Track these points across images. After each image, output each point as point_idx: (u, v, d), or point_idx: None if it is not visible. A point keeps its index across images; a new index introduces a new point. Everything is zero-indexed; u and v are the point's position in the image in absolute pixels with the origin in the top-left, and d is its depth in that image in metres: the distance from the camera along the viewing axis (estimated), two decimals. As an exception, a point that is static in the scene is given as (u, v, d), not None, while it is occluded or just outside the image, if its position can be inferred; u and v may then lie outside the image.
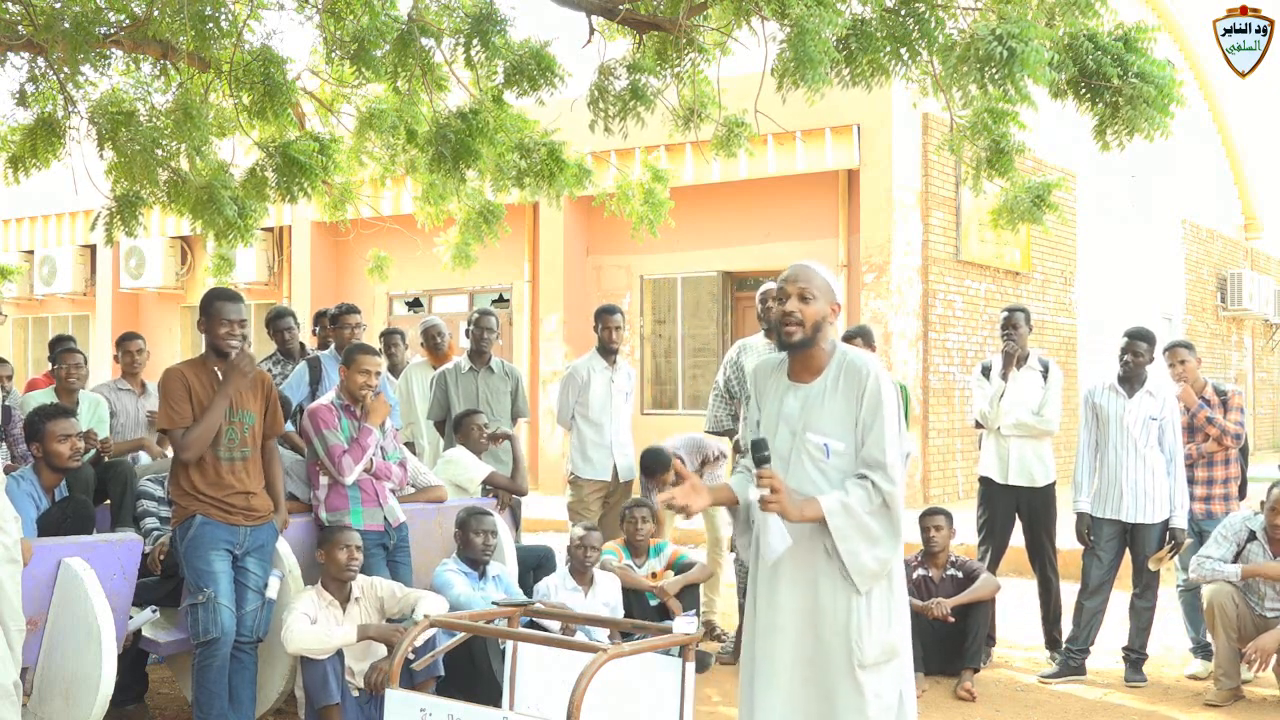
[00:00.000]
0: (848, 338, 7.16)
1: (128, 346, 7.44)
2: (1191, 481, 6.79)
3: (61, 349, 7.07)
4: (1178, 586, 6.97)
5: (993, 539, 7.18)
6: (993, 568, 7.01)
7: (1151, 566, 6.51)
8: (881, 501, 3.55)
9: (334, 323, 7.33)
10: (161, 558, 5.63)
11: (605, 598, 6.25)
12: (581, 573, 6.26)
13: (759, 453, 3.53)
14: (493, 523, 6.01)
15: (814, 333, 3.66)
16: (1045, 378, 7.11)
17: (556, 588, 6.21)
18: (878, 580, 3.60)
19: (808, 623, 3.65)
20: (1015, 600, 8.23)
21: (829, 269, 3.81)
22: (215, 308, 5.12)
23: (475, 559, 5.92)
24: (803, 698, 3.65)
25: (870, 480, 3.57)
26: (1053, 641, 7.09)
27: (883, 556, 3.58)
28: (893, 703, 3.66)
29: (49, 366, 7.13)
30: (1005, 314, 7.21)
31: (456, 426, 7.15)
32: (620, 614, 6.19)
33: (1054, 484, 7.19)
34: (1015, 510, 7.18)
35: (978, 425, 7.40)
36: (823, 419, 3.66)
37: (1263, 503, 6.30)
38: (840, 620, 3.61)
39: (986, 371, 7.27)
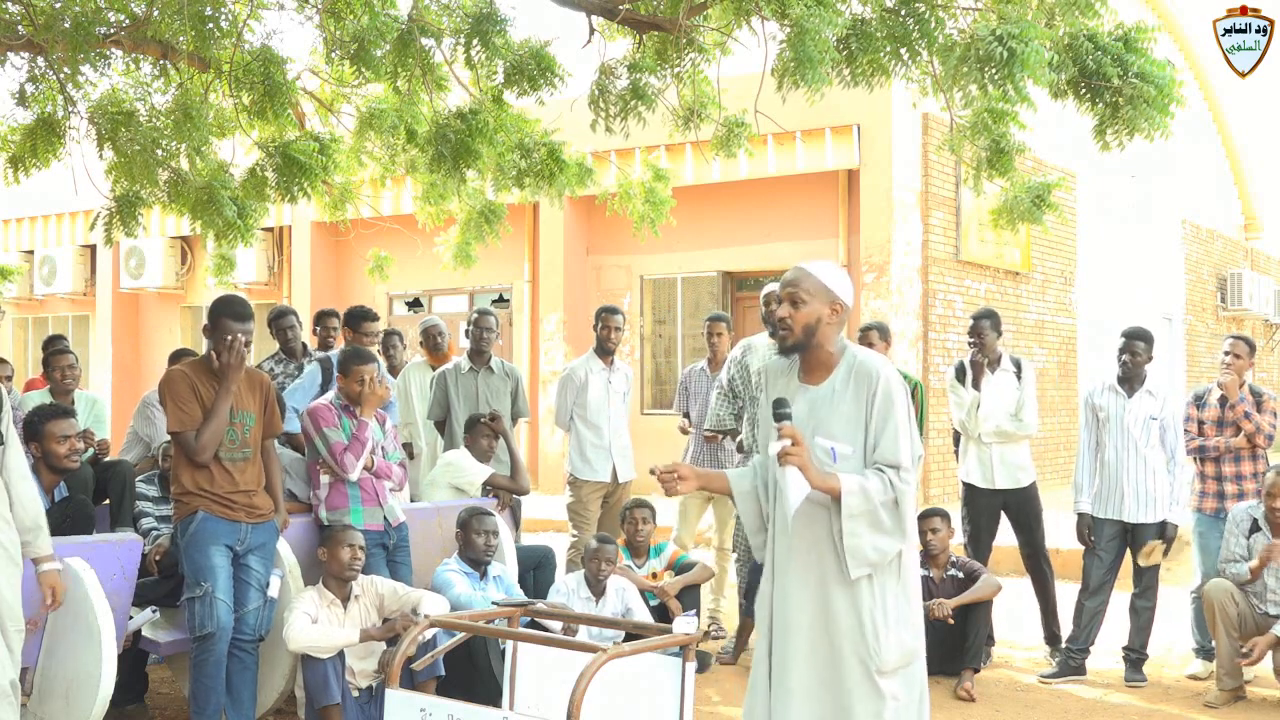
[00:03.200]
0: (864, 330, 7.15)
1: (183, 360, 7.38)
2: (1219, 478, 6.78)
3: (52, 350, 7.04)
4: (1192, 592, 6.93)
5: (979, 543, 7.16)
6: (982, 570, 7.02)
7: (1141, 561, 6.49)
8: (894, 498, 3.56)
9: (354, 329, 7.33)
10: (158, 559, 5.63)
11: (615, 607, 6.23)
12: (595, 584, 6.25)
13: (780, 409, 3.53)
14: (494, 523, 6.01)
15: (806, 336, 3.65)
16: (1019, 378, 7.11)
17: (571, 593, 6.20)
18: (869, 570, 3.58)
19: (820, 624, 3.63)
20: (1015, 600, 8.22)
21: (835, 267, 3.77)
22: (222, 325, 5.06)
23: (476, 559, 5.92)
24: (818, 699, 3.62)
25: (887, 476, 3.57)
26: (1052, 637, 7.08)
27: (882, 548, 3.57)
28: (911, 703, 3.66)
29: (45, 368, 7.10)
30: (971, 322, 7.20)
31: (467, 429, 7.14)
32: (641, 617, 6.17)
33: (1035, 481, 7.21)
34: (999, 513, 7.18)
35: (956, 434, 7.40)
36: (831, 422, 3.64)
37: (1259, 490, 6.31)
38: (853, 625, 3.59)
39: (960, 374, 7.24)
